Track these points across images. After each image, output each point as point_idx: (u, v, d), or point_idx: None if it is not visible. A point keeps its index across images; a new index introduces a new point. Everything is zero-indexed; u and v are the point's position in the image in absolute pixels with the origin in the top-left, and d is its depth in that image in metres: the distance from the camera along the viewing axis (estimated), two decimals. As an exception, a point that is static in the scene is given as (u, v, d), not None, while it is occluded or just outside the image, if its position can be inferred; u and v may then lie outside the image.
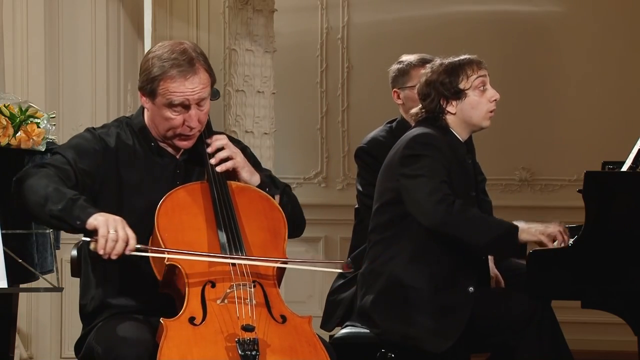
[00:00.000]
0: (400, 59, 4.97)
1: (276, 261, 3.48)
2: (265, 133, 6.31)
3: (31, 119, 4.31)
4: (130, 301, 3.56)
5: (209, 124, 3.67)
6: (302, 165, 7.44)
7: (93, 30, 6.04)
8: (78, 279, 3.78)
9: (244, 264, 3.43)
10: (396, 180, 4.15)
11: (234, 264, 3.42)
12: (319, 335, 3.41)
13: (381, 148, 4.58)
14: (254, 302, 3.35)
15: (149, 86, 3.54)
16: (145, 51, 6.85)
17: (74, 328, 5.58)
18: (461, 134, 4.24)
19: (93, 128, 3.69)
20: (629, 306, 3.98)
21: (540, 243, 4.04)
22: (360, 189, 4.85)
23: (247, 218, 3.55)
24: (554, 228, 4.08)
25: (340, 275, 4.61)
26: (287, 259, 3.54)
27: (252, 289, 3.37)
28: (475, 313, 4.10)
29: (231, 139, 3.78)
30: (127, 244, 3.29)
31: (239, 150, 3.63)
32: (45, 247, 4.29)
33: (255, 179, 3.62)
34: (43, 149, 4.32)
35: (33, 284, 3.85)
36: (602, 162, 4.66)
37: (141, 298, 3.55)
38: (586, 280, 3.95)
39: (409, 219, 4.12)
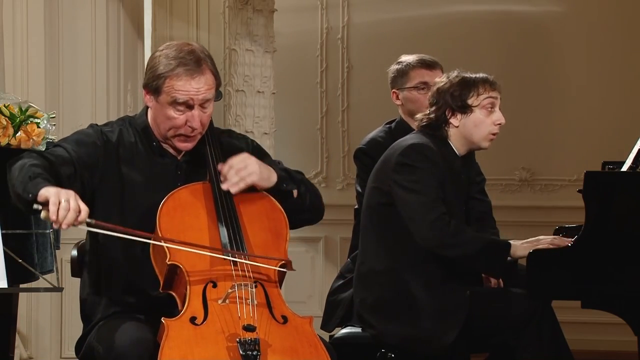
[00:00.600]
0: (400, 60, 4.97)
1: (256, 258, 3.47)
2: (265, 133, 6.31)
3: (31, 119, 4.31)
4: (132, 301, 3.56)
5: (211, 125, 3.66)
6: (302, 165, 7.38)
7: (93, 30, 6.04)
8: (78, 279, 3.78)
9: (245, 264, 3.43)
10: (389, 185, 4.16)
11: (235, 264, 3.43)
12: (319, 336, 3.41)
13: (380, 149, 4.58)
14: (255, 302, 3.35)
15: (154, 83, 3.53)
16: (146, 51, 6.87)
17: (74, 328, 5.59)
18: (459, 149, 4.25)
19: (96, 124, 3.69)
20: (629, 306, 3.98)
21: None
22: (360, 189, 4.85)
23: (248, 218, 3.55)
24: (545, 240, 4.10)
25: (340, 276, 4.62)
26: (288, 260, 3.55)
27: (254, 289, 3.37)
28: (475, 313, 4.11)
29: (235, 136, 3.78)
30: (78, 214, 3.24)
31: (250, 161, 3.58)
32: (45, 247, 4.29)
33: (273, 178, 3.60)
34: (43, 149, 4.32)
35: (33, 284, 3.85)
36: (602, 162, 4.66)
37: (143, 298, 3.55)
38: (586, 280, 3.95)
39: (399, 220, 4.13)
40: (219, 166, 3.56)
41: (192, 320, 3.31)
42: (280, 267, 3.50)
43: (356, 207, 4.94)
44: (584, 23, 7.13)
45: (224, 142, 3.72)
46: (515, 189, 7.26)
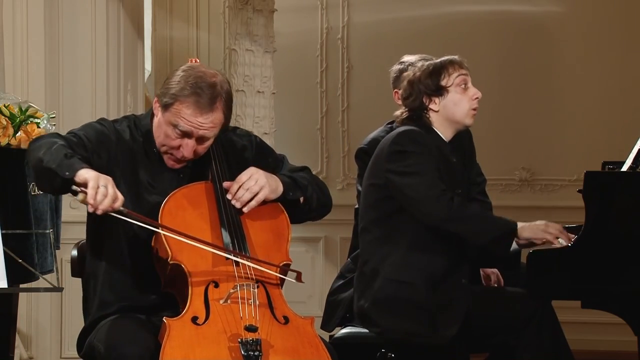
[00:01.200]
0: (402, 60, 4.97)
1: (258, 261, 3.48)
2: (265, 133, 6.31)
3: (31, 119, 4.31)
4: (133, 300, 3.56)
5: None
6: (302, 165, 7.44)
7: (93, 30, 6.04)
8: (78, 279, 3.78)
9: (247, 265, 3.43)
10: (384, 177, 4.17)
11: (237, 264, 3.43)
12: (321, 337, 3.41)
13: (382, 148, 4.57)
14: (257, 302, 3.35)
15: (165, 99, 3.52)
16: (146, 51, 6.88)
17: (74, 328, 5.58)
18: (445, 133, 4.25)
19: (106, 119, 3.69)
20: (629, 306, 3.98)
21: (543, 241, 4.06)
22: (360, 189, 4.85)
23: (250, 218, 3.55)
24: (554, 227, 4.09)
25: (340, 276, 4.62)
26: (290, 261, 3.54)
27: (256, 290, 3.37)
28: (475, 313, 4.11)
29: (239, 133, 3.77)
30: (114, 202, 3.26)
31: (258, 176, 3.56)
32: (45, 247, 4.30)
33: (280, 188, 3.59)
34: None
35: (33, 284, 3.85)
36: (602, 162, 4.66)
37: (144, 297, 3.55)
38: (586, 280, 3.95)
39: (398, 216, 4.14)
40: (226, 184, 3.55)
41: (194, 320, 3.31)
42: (281, 271, 3.50)
43: (356, 207, 4.93)
44: (584, 23, 7.13)
45: (227, 140, 3.72)
46: (515, 189, 7.26)
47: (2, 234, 3.40)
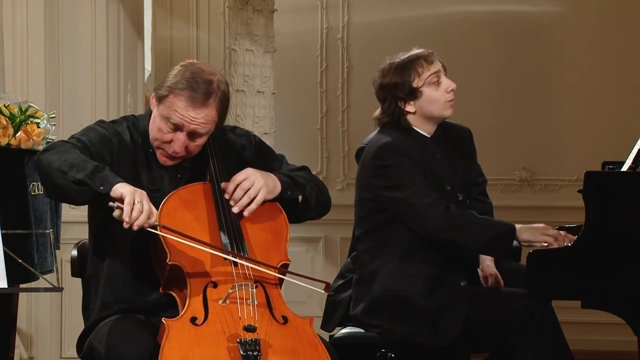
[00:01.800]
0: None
1: (270, 268, 3.47)
2: (265, 133, 6.30)
3: (31, 119, 4.31)
4: (133, 301, 3.56)
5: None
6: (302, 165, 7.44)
7: (93, 30, 6.04)
8: (78, 279, 3.78)
9: (246, 265, 3.43)
10: (373, 192, 4.16)
11: (236, 265, 3.42)
12: (320, 336, 3.41)
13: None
14: (255, 302, 3.35)
15: (160, 92, 3.53)
16: (146, 51, 6.88)
17: (74, 328, 5.59)
18: (425, 129, 4.24)
19: (105, 121, 3.68)
20: (629, 306, 3.97)
21: (543, 243, 4.06)
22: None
23: (249, 219, 3.55)
24: (553, 231, 4.10)
25: (340, 276, 4.61)
26: (289, 261, 3.54)
27: (254, 290, 3.37)
28: (475, 313, 4.11)
29: (238, 133, 3.77)
30: (149, 217, 3.28)
31: (256, 177, 3.55)
32: (45, 247, 4.29)
33: (277, 188, 3.58)
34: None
35: (33, 284, 3.85)
36: (602, 162, 4.65)
37: (144, 298, 3.55)
38: (586, 280, 3.95)
39: (393, 225, 4.14)
40: (223, 184, 3.55)
41: (193, 320, 3.31)
42: (280, 271, 3.50)
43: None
44: (584, 23, 7.13)
45: (225, 139, 3.71)
46: (515, 189, 7.26)
47: (2, 234, 3.40)
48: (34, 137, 4.28)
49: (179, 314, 3.34)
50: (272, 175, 3.59)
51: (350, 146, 7.26)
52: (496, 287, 4.57)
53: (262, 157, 3.74)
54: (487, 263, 4.64)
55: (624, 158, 4.25)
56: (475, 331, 4.12)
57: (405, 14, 7.30)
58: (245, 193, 3.51)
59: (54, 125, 4.47)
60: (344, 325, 4.40)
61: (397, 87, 4.18)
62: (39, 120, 4.33)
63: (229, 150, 3.71)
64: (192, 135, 3.52)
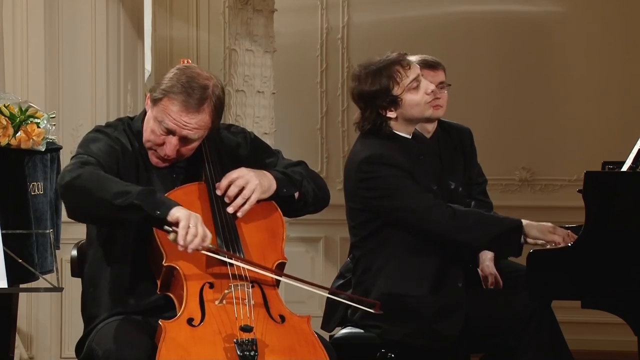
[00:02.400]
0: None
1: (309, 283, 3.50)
2: (265, 133, 6.30)
3: (31, 119, 4.31)
4: (131, 302, 3.56)
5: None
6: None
7: (93, 30, 6.04)
8: (78, 279, 3.78)
9: (241, 266, 3.43)
10: (362, 203, 4.15)
11: (231, 265, 3.42)
12: (318, 334, 3.41)
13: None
14: (252, 302, 3.35)
15: (155, 94, 3.52)
16: (146, 51, 6.87)
17: (74, 328, 5.59)
18: (406, 131, 4.22)
19: (102, 127, 3.66)
20: (629, 306, 3.97)
21: (551, 242, 4.06)
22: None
23: (244, 218, 3.54)
24: (562, 230, 4.10)
25: (340, 276, 4.61)
26: (285, 260, 3.54)
27: (250, 290, 3.37)
28: (474, 313, 4.11)
29: (234, 131, 3.77)
30: (204, 240, 3.30)
31: (250, 177, 3.55)
32: (45, 247, 4.29)
33: (273, 186, 3.58)
34: (43, 149, 4.32)
35: (33, 284, 3.85)
36: (602, 162, 4.65)
37: (142, 299, 3.55)
38: (586, 280, 3.95)
39: (385, 230, 4.13)
40: (217, 184, 3.54)
41: (189, 321, 3.31)
42: (276, 272, 3.50)
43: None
44: (584, 23, 7.13)
45: (221, 138, 3.71)
46: (515, 189, 7.26)
47: (2, 234, 3.40)
48: (34, 137, 4.27)
49: (176, 315, 3.33)
50: (267, 173, 3.58)
51: (350, 146, 7.24)
52: (496, 288, 4.58)
53: (258, 153, 3.74)
54: (487, 263, 4.64)
55: (624, 158, 4.25)
56: (475, 331, 4.12)
57: (405, 14, 7.30)
58: (239, 191, 3.50)
59: (54, 125, 4.47)
60: (344, 325, 4.40)
61: (377, 97, 4.13)
62: (39, 120, 4.33)
63: (225, 149, 3.70)
64: (184, 140, 3.51)
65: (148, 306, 3.53)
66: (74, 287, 4.16)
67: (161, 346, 3.23)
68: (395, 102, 4.14)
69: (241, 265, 3.41)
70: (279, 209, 3.60)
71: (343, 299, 3.91)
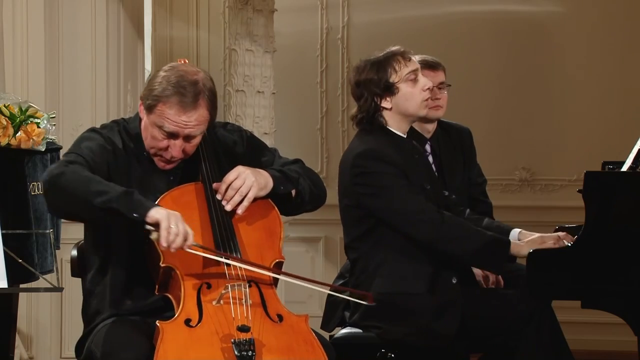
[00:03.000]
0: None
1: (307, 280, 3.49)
2: (265, 133, 6.30)
3: (31, 119, 4.31)
4: (129, 303, 3.56)
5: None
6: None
7: (93, 30, 6.04)
8: (78, 279, 3.78)
9: (238, 265, 3.43)
10: (355, 199, 4.15)
11: (228, 265, 3.42)
12: (316, 333, 3.41)
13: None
14: (249, 302, 3.35)
15: (148, 101, 3.51)
16: (146, 51, 6.87)
17: (74, 328, 5.59)
18: (400, 129, 4.22)
19: (97, 128, 3.67)
20: (629, 306, 3.98)
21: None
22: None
23: (241, 217, 3.55)
24: (551, 236, 4.12)
25: (340, 276, 4.61)
26: (283, 259, 3.54)
27: (247, 289, 3.37)
28: (475, 313, 4.11)
29: (230, 129, 3.77)
30: (186, 239, 3.30)
31: (246, 174, 3.54)
32: (45, 247, 4.29)
33: (269, 184, 3.58)
34: (43, 149, 4.33)
35: (33, 284, 3.85)
36: (602, 162, 4.65)
37: (141, 300, 3.55)
38: (586, 280, 3.95)
39: (379, 229, 4.13)
40: (215, 185, 3.55)
41: (187, 322, 3.31)
42: (274, 270, 3.50)
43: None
44: (584, 23, 7.13)
45: (217, 136, 3.71)
46: (515, 189, 7.26)
47: (2, 234, 3.40)
48: (34, 137, 4.27)
49: (175, 316, 3.33)
50: (263, 171, 3.59)
51: (351, 146, 7.25)
52: (496, 287, 4.58)
53: (255, 151, 3.74)
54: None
55: (624, 158, 4.25)
56: (475, 331, 4.12)
57: (405, 14, 7.30)
58: (237, 192, 3.51)
59: (54, 125, 4.47)
60: (343, 325, 4.40)
61: (373, 83, 4.16)
62: (39, 120, 4.33)
63: (221, 147, 3.70)
64: (188, 138, 3.51)
65: (146, 307, 3.53)
66: (74, 287, 4.16)
67: (159, 347, 3.23)
68: (390, 90, 4.15)
69: (228, 262, 3.40)
70: (276, 208, 3.60)
71: (333, 291, 3.89)
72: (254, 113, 6.36)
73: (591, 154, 6.36)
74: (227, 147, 3.71)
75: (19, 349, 5.64)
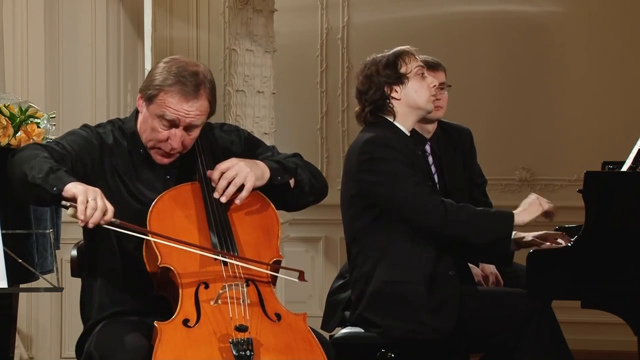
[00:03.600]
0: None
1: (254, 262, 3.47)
2: (265, 133, 6.30)
3: (31, 119, 4.30)
4: (128, 303, 3.56)
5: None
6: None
7: (93, 30, 6.04)
8: (78, 279, 3.78)
9: (236, 264, 3.43)
10: (361, 188, 4.16)
11: (226, 264, 3.42)
12: (315, 332, 3.40)
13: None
14: (247, 301, 3.35)
15: (149, 92, 3.52)
16: (146, 51, 6.87)
17: (74, 328, 5.59)
18: (405, 124, 4.25)
19: (89, 125, 3.68)
20: (629, 306, 3.98)
21: (544, 214, 4.08)
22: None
23: (239, 217, 3.55)
24: (544, 200, 4.14)
25: (340, 276, 4.62)
26: (281, 258, 3.54)
27: (245, 289, 3.37)
28: (475, 313, 4.11)
29: (227, 129, 3.76)
30: (104, 214, 3.25)
31: (240, 166, 3.53)
32: (45, 247, 4.29)
33: (266, 174, 3.57)
34: (43, 149, 4.32)
35: (33, 284, 3.84)
36: (602, 162, 4.66)
37: (138, 300, 3.55)
38: (586, 280, 3.95)
39: (381, 221, 4.13)
40: (209, 172, 3.54)
41: (185, 322, 3.30)
42: (272, 268, 3.49)
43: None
44: (584, 23, 7.13)
45: (214, 137, 3.71)
46: (515, 189, 7.26)
47: (2, 234, 3.39)
48: (34, 137, 4.27)
49: (173, 316, 3.33)
50: (258, 162, 3.58)
51: (350, 146, 7.26)
52: (496, 287, 4.58)
53: (253, 150, 3.73)
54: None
55: (624, 158, 4.25)
56: (475, 331, 4.13)
57: (405, 14, 7.30)
58: (229, 183, 3.49)
59: (54, 125, 4.47)
60: (344, 325, 4.40)
61: (384, 74, 4.22)
62: (39, 120, 4.33)
63: (218, 148, 3.70)
64: (188, 128, 3.51)
65: (144, 307, 3.53)
66: (74, 287, 4.16)
67: (157, 348, 3.22)
68: (401, 79, 4.21)
69: (164, 243, 3.37)
70: (273, 206, 3.59)
71: (268, 269, 3.83)
72: (254, 113, 6.36)
73: (591, 154, 6.36)
74: (224, 147, 3.71)
75: (19, 349, 5.64)
